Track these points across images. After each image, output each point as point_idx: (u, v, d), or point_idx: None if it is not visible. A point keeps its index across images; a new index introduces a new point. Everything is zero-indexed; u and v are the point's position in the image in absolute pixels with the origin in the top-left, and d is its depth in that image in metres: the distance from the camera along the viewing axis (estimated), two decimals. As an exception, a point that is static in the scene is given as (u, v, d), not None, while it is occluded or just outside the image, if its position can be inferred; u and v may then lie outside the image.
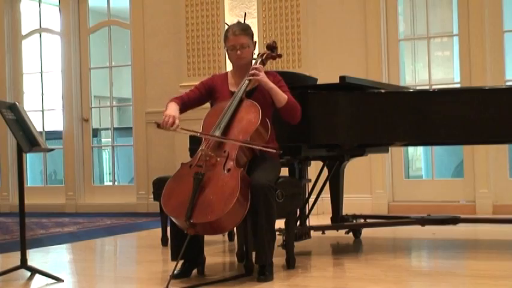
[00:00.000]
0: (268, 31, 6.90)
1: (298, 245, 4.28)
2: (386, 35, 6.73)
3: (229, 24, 3.97)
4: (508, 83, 6.47)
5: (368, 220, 4.95)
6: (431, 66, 6.90)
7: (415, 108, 4.11)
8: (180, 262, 3.53)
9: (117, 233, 5.94)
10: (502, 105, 4.01)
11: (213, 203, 3.38)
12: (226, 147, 3.59)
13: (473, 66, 6.37)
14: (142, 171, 7.70)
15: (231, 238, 5.03)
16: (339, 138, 4.25)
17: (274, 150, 3.64)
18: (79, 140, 8.16)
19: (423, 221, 4.58)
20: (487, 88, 5.31)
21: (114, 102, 8.89)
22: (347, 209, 4.96)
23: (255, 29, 5.43)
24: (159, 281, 3.57)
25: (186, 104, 3.87)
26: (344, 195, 4.84)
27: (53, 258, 4.71)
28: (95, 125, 8.87)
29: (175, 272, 3.41)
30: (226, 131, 3.65)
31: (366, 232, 5.02)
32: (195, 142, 4.32)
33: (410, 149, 7.47)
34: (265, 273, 3.46)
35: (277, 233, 3.65)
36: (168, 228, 3.79)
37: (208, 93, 3.93)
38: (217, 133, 3.63)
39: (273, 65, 6.31)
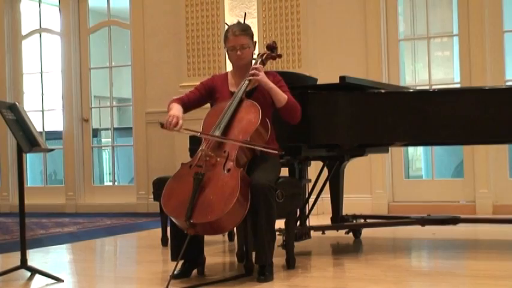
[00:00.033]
0: (268, 31, 6.91)
1: (298, 245, 4.28)
2: (386, 35, 6.73)
3: (229, 24, 3.97)
4: (508, 83, 6.47)
5: (368, 220, 4.95)
6: (431, 66, 6.90)
7: (415, 108, 4.11)
8: (180, 262, 3.53)
9: (117, 233, 5.94)
10: (502, 105, 4.01)
11: (213, 203, 3.38)
12: (226, 147, 3.59)
13: (473, 66, 6.37)
14: (142, 171, 7.70)
15: (231, 238, 5.03)
16: (339, 138, 4.25)
17: (276, 152, 3.65)
18: (79, 140, 8.16)
19: (423, 221, 4.58)
20: (487, 88, 5.31)
21: (114, 102, 8.90)
22: (347, 209, 4.96)
23: (255, 29, 5.43)
24: (159, 281, 3.57)
25: (187, 105, 3.86)
26: (344, 195, 4.84)
27: (53, 259, 4.71)
28: (95, 125, 8.87)
29: (175, 272, 3.41)
30: (226, 131, 3.65)
31: (366, 232, 5.02)
32: (195, 142, 4.32)
33: (410, 149, 7.47)
34: (265, 274, 3.46)
35: (277, 233, 3.65)
36: (168, 229, 3.79)
37: (208, 93, 3.93)
38: (217, 133, 3.62)
39: (273, 65, 6.31)
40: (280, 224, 3.77)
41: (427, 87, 6.74)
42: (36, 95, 8.68)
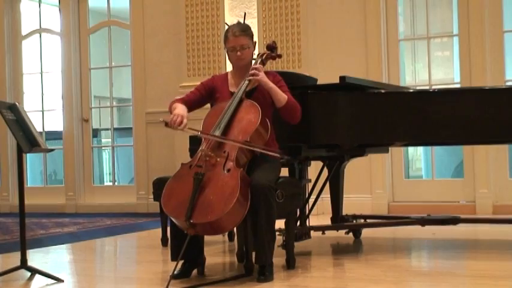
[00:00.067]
0: (268, 31, 6.90)
1: (298, 245, 4.28)
2: (386, 35, 6.73)
3: (229, 24, 3.97)
4: (508, 83, 6.47)
5: (368, 220, 4.95)
6: (431, 66, 6.90)
7: (415, 108, 4.11)
8: (180, 262, 3.53)
9: (117, 233, 5.93)
10: (502, 105, 4.01)
11: (213, 203, 3.38)
12: (226, 147, 3.58)
13: (473, 66, 6.37)
14: (142, 171, 7.70)
15: (231, 238, 5.03)
16: (338, 138, 4.25)
17: (278, 155, 3.65)
18: (79, 140, 8.16)
19: (423, 221, 4.58)
20: (487, 88, 5.31)
21: (114, 103, 8.90)
22: (347, 209, 4.96)
23: (255, 29, 5.44)
24: (159, 281, 3.57)
25: (188, 105, 3.84)
26: (344, 195, 4.84)
27: (53, 259, 4.71)
28: (95, 125, 8.87)
29: (175, 272, 3.41)
30: (226, 131, 3.65)
31: (366, 232, 5.02)
32: (195, 142, 4.32)
33: (410, 149, 7.47)
34: (265, 274, 3.46)
35: (277, 233, 3.65)
36: (168, 229, 3.79)
37: (208, 94, 3.93)
38: (217, 133, 3.62)
39: (273, 65, 6.31)
40: (280, 224, 3.77)
41: (427, 87, 6.74)
42: (36, 95, 8.68)
